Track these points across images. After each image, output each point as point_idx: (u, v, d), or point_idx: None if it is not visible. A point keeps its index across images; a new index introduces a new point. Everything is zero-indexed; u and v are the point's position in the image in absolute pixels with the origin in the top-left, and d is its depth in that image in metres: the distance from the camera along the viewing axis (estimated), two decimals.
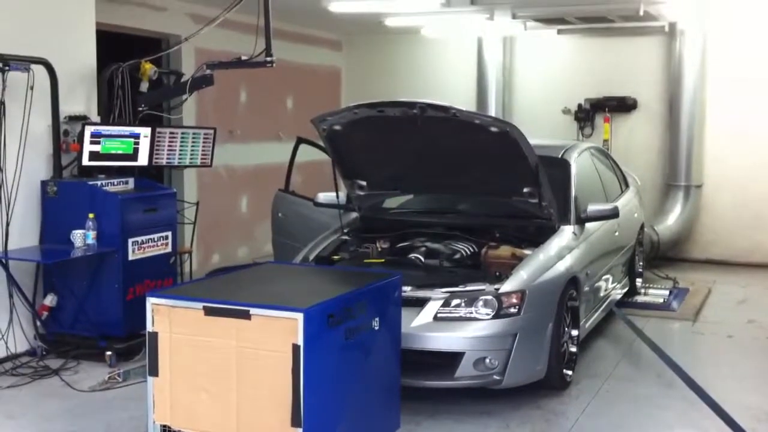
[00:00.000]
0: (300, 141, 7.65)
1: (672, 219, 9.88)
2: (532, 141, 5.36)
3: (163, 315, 3.95)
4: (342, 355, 3.95)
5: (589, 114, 10.53)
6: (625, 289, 7.66)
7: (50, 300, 6.06)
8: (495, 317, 4.97)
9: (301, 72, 10.68)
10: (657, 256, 9.47)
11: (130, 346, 5.97)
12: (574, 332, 5.71)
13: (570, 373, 5.57)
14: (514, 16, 9.04)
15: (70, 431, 4.81)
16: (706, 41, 9.75)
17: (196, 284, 4.77)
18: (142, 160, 6.53)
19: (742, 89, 9.81)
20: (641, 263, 8.36)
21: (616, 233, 6.90)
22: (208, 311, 3.85)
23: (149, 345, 3.99)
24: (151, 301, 3.98)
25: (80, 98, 6.45)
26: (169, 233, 6.44)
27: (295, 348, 3.64)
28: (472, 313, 4.98)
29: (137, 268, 6.08)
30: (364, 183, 6.16)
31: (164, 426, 4.01)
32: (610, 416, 5.07)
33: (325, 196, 6.49)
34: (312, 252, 5.86)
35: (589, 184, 6.74)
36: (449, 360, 4.95)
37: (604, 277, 6.62)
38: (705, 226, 10.15)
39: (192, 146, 6.96)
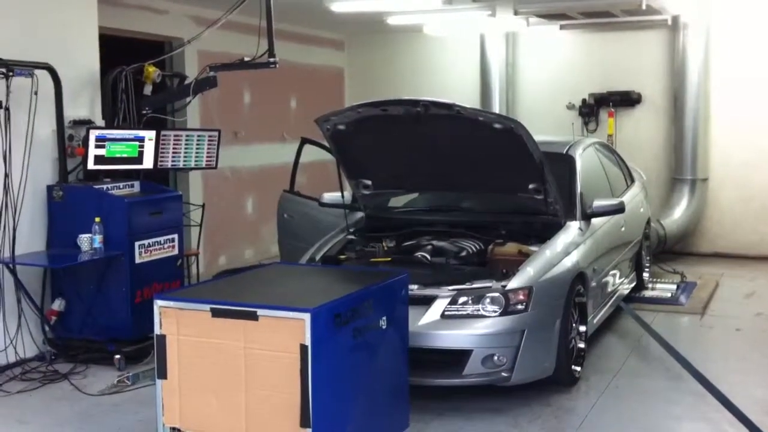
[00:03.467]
0: (304, 141, 7.65)
1: (678, 213, 9.85)
2: (537, 137, 5.35)
3: (170, 317, 3.96)
4: (350, 355, 3.95)
5: (593, 109, 10.50)
6: (633, 284, 7.65)
7: (58, 305, 6.08)
8: (502, 314, 4.96)
9: (304, 72, 10.68)
10: (664, 250, 9.45)
11: (138, 349, 5.99)
12: (582, 328, 5.70)
13: (578, 369, 5.56)
14: (516, 13, 9.01)
15: None
16: (710, 33, 9.72)
17: (203, 286, 4.78)
18: (148, 163, 6.54)
19: (746, 81, 9.77)
20: (648, 258, 8.34)
21: (623, 228, 6.89)
22: (216, 313, 3.86)
23: (157, 348, 4.00)
24: (158, 304, 3.98)
25: (84, 102, 6.47)
26: (176, 236, 6.44)
27: (303, 348, 3.64)
28: (479, 310, 4.98)
29: (144, 271, 6.09)
30: (369, 182, 6.16)
31: (174, 428, 4.02)
32: (619, 411, 5.06)
33: (330, 196, 6.49)
34: (318, 252, 5.86)
35: (594, 180, 6.73)
36: (457, 358, 4.95)
37: (611, 273, 6.61)
38: (711, 220, 10.12)
39: (197, 148, 6.97)
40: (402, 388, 4.51)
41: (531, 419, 4.93)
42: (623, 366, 5.90)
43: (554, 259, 5.40)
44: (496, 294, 5.00)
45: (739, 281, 8.67)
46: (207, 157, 7.08)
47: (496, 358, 4.95)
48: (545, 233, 5.71)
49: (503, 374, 4.98)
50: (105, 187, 6.19)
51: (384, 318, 4.21)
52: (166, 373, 3.99)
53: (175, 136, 6.78)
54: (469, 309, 4.99)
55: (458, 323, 4.97)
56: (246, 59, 6.57)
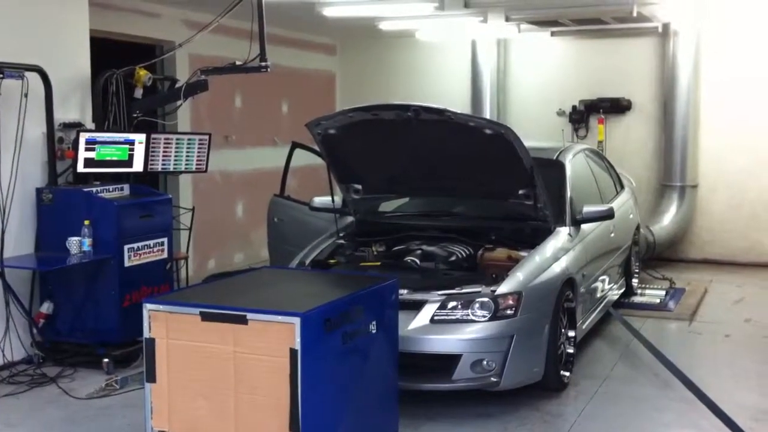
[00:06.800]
0: (295, 146, 7.65)
1: (667, 219, 9.89)
2: (527, 143, 5.37)
3: (159, 321, 3.95)
4: (339, 360, 3.94)
5: (583, 115, 10.54)
6: (622, 290, 7.67)
7: (47, 307, 6.05)
8: (492, 319, 4.97)
9: (296, 77, 10.68)
10: (653, 256, 9.48)
11: (127, 352, 5.97)
12: (571, 333, 5.72)
13: (567, 374, 5.57)
14: (507, 19, 9.05)
15: None
16: (700, 41, 9.77)
17: (193, 290, 4.76)
18: (138, 166, 6.52)
19: (736, 88, 9.83)
20: (637, 264, 8.37)
21: (612, 234, 6.91)
22: (205, 317, 3.85)
23: (146, 351, 3.98)
24: (147, 308, 3.97)
25: (75, 105, 6.45)
26: (165, 239, 6.43)
27: (293, 352, 3.64)
28: (468, 315, 4.99)
29: (133, 275, 6.08)
30: (359, 187, 6.16)
31: None
32: (607, 417, 5.08)
33: (320, 201, 6.50)
34: (308, 256, 5.86)
35: (584, 186, 6.76)
36: (446, 362, 4.95)
37: (600, 278, 6.63)
38: (701, 226, 10.16)
39: (187, 152, 6.96)
40: (391, 392, 4.50)
41: (520, 424, 4.94)
42: (612, 372, 5.92)
43: (544, 265, 5.41)
44: (486, 299, 5.01)
45: (728, 287, 8.71)
46: (197, 160, 7.07)
47: (485, 362, 4.95)
48: (535, 239, 5.73)
49: (492, 379, 4.99)
50: (94, 190, 6.17)
51: (373, 322, 4.21)
52: (155, 377, 3.98)
53: (165, 139, 6.77)
54: (459, 314, 5.00)
55: (447, 328, 4.97)
56: (237, 63, 6.57)
